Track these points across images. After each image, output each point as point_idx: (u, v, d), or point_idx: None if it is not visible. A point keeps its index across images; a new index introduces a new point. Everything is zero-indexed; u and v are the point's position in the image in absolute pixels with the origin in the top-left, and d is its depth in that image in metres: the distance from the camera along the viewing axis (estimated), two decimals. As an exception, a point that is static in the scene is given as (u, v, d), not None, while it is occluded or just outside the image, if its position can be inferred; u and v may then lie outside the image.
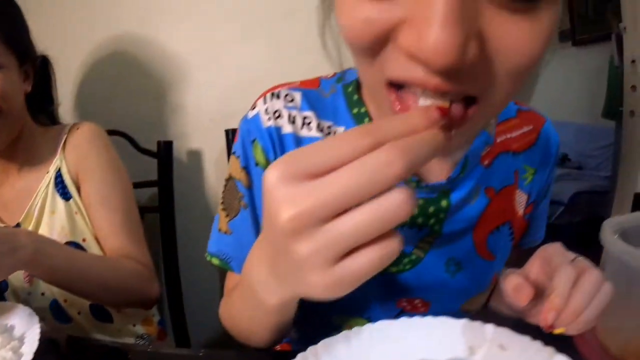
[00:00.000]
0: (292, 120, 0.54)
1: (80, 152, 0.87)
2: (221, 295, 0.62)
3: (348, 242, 0.27)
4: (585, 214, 2.85)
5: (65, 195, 0.86)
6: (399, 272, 0.56)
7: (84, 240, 0.86)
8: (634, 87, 1.51)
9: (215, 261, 0.59)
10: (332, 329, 0.54)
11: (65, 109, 1.09)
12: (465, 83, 0.31)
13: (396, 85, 0.34)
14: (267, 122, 0.54)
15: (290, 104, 0.55)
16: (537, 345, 0.40)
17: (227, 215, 0.59)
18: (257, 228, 0.57)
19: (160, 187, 1.09)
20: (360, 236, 0.26)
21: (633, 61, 1.49)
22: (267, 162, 0.54)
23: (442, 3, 0.26)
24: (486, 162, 0.56)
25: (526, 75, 0.34)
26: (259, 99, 0.58)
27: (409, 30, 0.29)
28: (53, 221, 0.85)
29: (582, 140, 3.61)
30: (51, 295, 0.85)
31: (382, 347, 0.42)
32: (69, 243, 0.84)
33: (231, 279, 0.60)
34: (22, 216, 0.85)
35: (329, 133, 0.53)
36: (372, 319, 0.48)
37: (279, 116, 0.54)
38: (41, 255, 0.64)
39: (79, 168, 0.87)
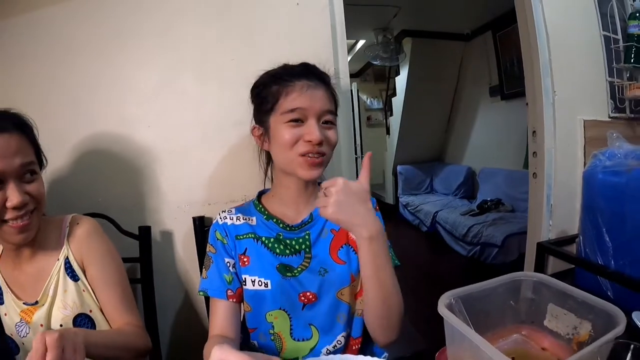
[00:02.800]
0: (231, 218, 1.05)
1: (82, 244, 1.07)
2: (194, 341, 1.02)
3: None
4: (517, 253, 3.19)
5: (74, 278, 1.05)
6: (292, 277, 0.99)
7: (90, 311, 1.06)
8: (535, 154, 1.78)
9: (201, 293, 1.02)
10: (266, 325, 0.99)
11: (57, 198, 1.25)
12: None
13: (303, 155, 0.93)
14: (221, 222, 1.05)
15: (231, 213, 1.07)
16: None
17: (205, 270, 1.06)
18: (218, 272, 1.01)
19: (141, 263, 1.32)
20: None
21: (534, 132, 1.76)
22: (223, 238, 1.03)
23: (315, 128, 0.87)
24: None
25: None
26: (218, 214, 1.07)
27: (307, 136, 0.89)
28: (66, 298, 1.04)
29: (512, 185, 3.98)
30: None
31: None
32: (79, 314, 1.04)
33: (211, 303, 1.04)
34: (40, 295, 1.02)
35: (246, 219, 1.05)
36: (287, 310, 0.98)
37: (225, 218, 1.05)
38: (75, 335, 0.81)
39: (83, 256, 1.07)
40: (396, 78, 5.29)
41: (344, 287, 1.01)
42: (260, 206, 1.09)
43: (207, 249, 1.08)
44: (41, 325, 1.03)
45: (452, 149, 5.33)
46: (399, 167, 5.49)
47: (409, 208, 5.14)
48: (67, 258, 1.06)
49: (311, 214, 1.06)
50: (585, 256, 1.45)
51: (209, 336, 1.01)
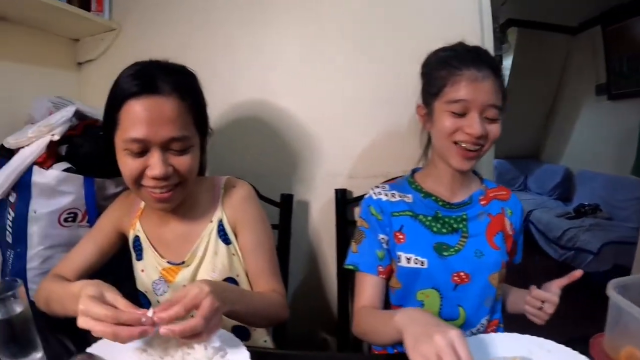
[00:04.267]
0: (386, 195, 1.12)
1: (238, 208, 1.06)
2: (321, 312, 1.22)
3: None
4: (612, 263, 3.10)
5: (226, 241, 1.05)
6: (449, 256, 1.04)
7: (237, 275, 1.07)
8: None
9: (351, 267, 1.10)
10: (415, 303, 1.05)
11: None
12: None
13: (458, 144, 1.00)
14: (375, 197, 1.12)
15: (384, 189, 1.14)
16: (569, 350, 0.77)
17: (356, 243, 1.14)
18: (370, 247, 1.09)
19: (280, 231, 1.39)
20: None
21: None
22: (377, 214, 1.09)
23: (476, 122, 0.97)
24: (483, 202, 1.11)
25: None
26: (369, 190, 1.16)
27: (468, 128, 0.99)
28: (215, 261, 1.03)
29: (613, 191, 3.83)
30: None
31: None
32: (227, 278, 1.04)
33: (357, 277, 1.10)
34: (188, 256, 1.03)
35: (402, 197, 1.11)
36: (439, 289, 1.04)
37: (380, 194, 1.13)
38: (226, 299, 0.79)
39: (237, 220, 1.05)
40: (499, 68, 5.14)
41: (495, 272, 1.06)
42: (416, 184, 1.14)
43: (359, 223, 1.14)
44: (184, 286, 0.98)
45: (550, 147, 5.13)
46: (494, 161, 5.20)
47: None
48: (221, 221, 1.05)
49: (471, 196, 1.11)
50: None
51: (355, 308, 1.09)
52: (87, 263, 1.06)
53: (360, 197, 1.43)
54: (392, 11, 1.44)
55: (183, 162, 0.91)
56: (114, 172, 1.19)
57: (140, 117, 0.85)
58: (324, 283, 1.59)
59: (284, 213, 1.45)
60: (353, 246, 1.14)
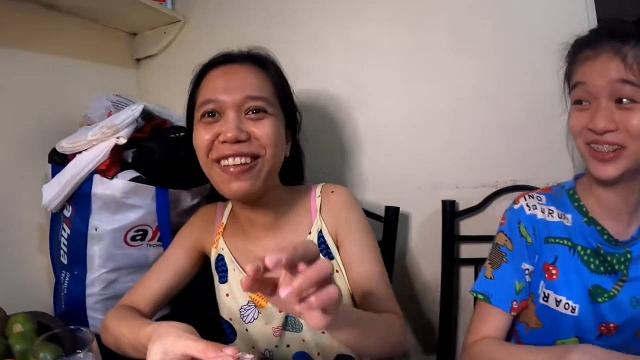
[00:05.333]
0: (542, 211, 0.91)
1: (340, 215, 0.94)
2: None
3: None
4: None
5: (329, 256, 0.92)
6: (602, 302, 0.83)
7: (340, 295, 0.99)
8: None
9: (480, 297, 0.91)
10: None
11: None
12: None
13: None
14: (528, 212, 0.91)
15: (540, 202, 0.92)
16: None
17: (492, 267, 0.92)
18: (510, 276, 0.90)
19: (383, 247, 1.19)
20: None
21: None
22: (528, 235, 0.89)
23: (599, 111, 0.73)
24: None
25: None
26: (519, 198, 0.94)
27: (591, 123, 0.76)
28: None
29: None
30: (299, 347, 0.93)
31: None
32: None
33: (483, 308, 0.91)
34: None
35: (561, 217, 0.90)
36: (581, 340, 0.83)
37: (535, 208, 0.91)
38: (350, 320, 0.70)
39: (339, 229, 0.93)
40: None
41: None
42: (579, 202, 0.90)
43: (500, 241, 0.93)
44: (280, 311, 0.90)
45: None
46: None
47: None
48: (321, 231, 0.94)
49: (639, 228, 0.87)
50: None
51: (471, 339, 0.90)
52: (163, 290, 0.95)
53: (470, 210, 1.28)
54: (500, 7, 1.28)
55: (260, 127, 0.83)
56: (191, 181, 1.09)
57: (215, 82, 0.86)
58: (426, 304, 1.41)
59: (388, 228, 1.27)
60: (487, 270, 0.94)
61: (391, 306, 0.88)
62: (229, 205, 1.02)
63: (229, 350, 0.56)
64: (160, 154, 1.05)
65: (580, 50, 0.83)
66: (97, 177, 1.02)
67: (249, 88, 0.84)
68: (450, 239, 1.25)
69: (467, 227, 1.30)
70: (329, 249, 0.92)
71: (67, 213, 1.08)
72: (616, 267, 0.85)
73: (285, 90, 0.94)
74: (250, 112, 0.83)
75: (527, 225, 0.90)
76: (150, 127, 1.11)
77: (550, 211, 0.90)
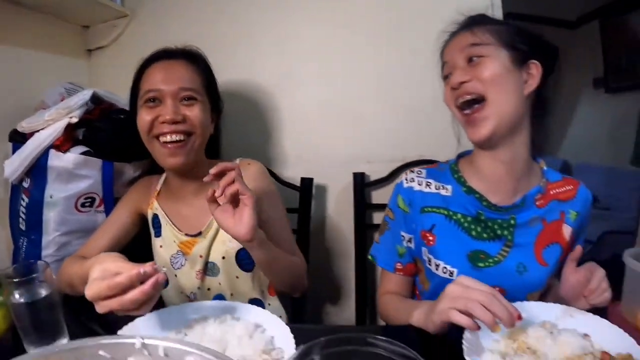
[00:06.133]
0: (419, 183, 0.99)
1: (251, 182, 1.02)
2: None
3: None
4: (612, 252, 3.13)
5: None
6: (486, 267, 0.91)
7: None
8: None
9: (370, 258, 1.05)
10: None
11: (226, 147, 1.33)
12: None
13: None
14: (405, 185, 1.00)
15: (420, 176, 1.00)
16: (590, 315, 0.79)
17: (379, 234, 1.05)
18: (391, 241, 1.02)
19: (299, 214, 1.41)
20: None
21: None
22: (405, 206, 0.99)
23: None
24: (539, 203, 0.93)
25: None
26: (403, 173, 1.05)
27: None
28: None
29: (611, 183, 3.80)
30: (217, 290, 1.10)
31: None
32: (242, 249, 1.05)
33: (383, 274, 1.06)
34: (204, 227, 1.07)
35: (439, 188, 0.97)
36: None
37: (412, 181, 0.99)
38: (266, 242, 0.91)
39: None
40: (496, 61, 5.16)
41: (536, 291, 0.94)
42: (459, 174, 0.98)
43: (385, 212, 1.06)
44: (200, 256, 1.07)
45: (548, 139, 5.18)
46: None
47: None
48: None
49: (524, 197, 0.92)
50: None
51: (379, 293, 1.07)
52: (108, 244, 1.09)
53: (380, 181, 1.46)
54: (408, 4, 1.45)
55: (192, 111, 1.02)
56: (133, 155, 1.23)
57: (156, 74, 1.03)
58: (343, 266, 1.59)
59: (303, 196, 1.46)
60: (376, 235, 1.08)
61: (296, 252, 1.09)
62: (164, 175, 1.18)
63: (148, 266, 0.70)
64: (106, 132, 1.20)
65: (443, 37, 0.98)
66: (52, 152, 1.16)
67: (183, 80, 1.02)
68: (362, 207, 1.44)
69: (377, 196, 1.50)
70: None
71: (26, 184, 1.21)
72: (498, 232, 0.91)
73: (212, 81, 1.13)
74: (184, 100, 1.02)
75: (404, 197, 0.99)
76: (99, 109, 1.25)
77: (428, 183, 0.98)
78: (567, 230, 0.95)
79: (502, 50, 0.88)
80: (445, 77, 0.95)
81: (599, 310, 0.81)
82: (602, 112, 4.21)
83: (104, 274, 0.70)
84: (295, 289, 1.09)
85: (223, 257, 1.07)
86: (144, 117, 1.01)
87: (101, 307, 0.69)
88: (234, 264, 1.08)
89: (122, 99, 1.31)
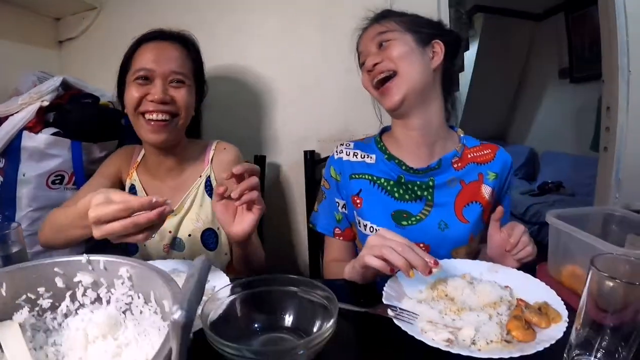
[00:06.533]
0: (347, 154, 1.10)
1: (225, 168, 1.14)
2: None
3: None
4: None
5: (211, 195, 1.14)
6: (409, 226, 1.00)
7: (218, 228, 1.15)
8: (607, 129, 1.87)
9: (311, 225, 1.15)
10: None
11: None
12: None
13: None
14: (336, 156, 1.11)
15: (348, 147, 1.12)
16: (514, 270, 0.83)
17: (317, 203, 1.17)
18: (329, 209, 1.12)
19: None
20: None
21: (608, 108, 1.86)
22: (337, 175, 1.09)
23: None
24: (457, 166, 1.04)
25: None
26: (335, 147, 1.16)
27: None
28: (200, 211, 1.13)
29: (575, 169, 4.00)
30: None
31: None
32: (208, 229, 1.13)
33: (326, 242, 1.16)
34: (177, 205, 1.12)
35: (364, 157, 1.08)
36: None
37: (341, 152, 1.11)
38: (252, 241, 0.98)
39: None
40: (465, 53, 5.28)
41: (461, 247, 1.02)
42: (382, 144, 1.09)
43: (322, 183, 1.17)
44: (169, 232, 1.13)
45: (516, 128, 5.30)
46: (461, 144, 5.34)
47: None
48: (209, 177, 1.17)
49: (440, 160, 1.03)
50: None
51: (325, 261, 1.17)
52: None
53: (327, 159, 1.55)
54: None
55: (180, 94, 1.06)
56: (99, 137, 1.30)
57: (150, 53, 1.06)
58: (296, 238, 1.70)
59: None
60: (315, 204, 1.19)
61: (257, 239, 1.13)
62: (143, 150, 1.21)
63: (157, 197, 0.72)
64: (75, 115, 1.29)
65: (357, 33, 1.11)
66: (25, 133, 1.24)
67: (174, 63, 1.06)
68: (312, 182, 1.54)
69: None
70: (212, 191, 1.15)
71: (1, 164, 1.29)
72: (419, 193, 1.02)
73: (200, 66, 1.19)
74: (173, 82, 1.06)
75: (335, 167, 1.13)
76: (69, 95, 1.34)
77: (355, 154, 1.11)
78: (486, 190, 1.05)
79: (406, 34, 1.02)
80: (362, 65, 1.08)
81: (529, 271, 0.85)
82: (567, 101, 4.36)
83: (108, 201, 0.71)
84: (254, 272, 1.13)
85: (189, 235, 1.13)
86: (133, 94, 1.04)
87: (100, 231, 0.69)
88: (199, 242, 1.15)
89: (90, 85, 1.40)
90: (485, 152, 1.08)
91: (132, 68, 1.08)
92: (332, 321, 0.59)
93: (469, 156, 1.07)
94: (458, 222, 1.01)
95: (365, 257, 0.78)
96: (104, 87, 1.38)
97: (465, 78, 5.24)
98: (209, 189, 1.16)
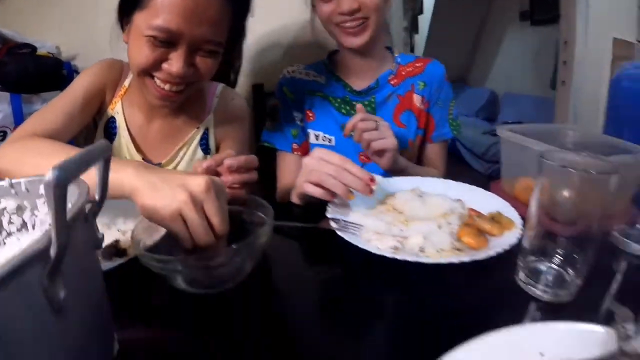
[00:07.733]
0: (300, 73, 1.15)
1: (230, 125, 1.01)
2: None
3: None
4: None
5: (206, 151, 0.99)
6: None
7: None
8: (565, 63, 1.92)
9: (267, 145, 1.14)
10: None
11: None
12: None
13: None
14: (288, 76, 1.16)
15: (299, 68, 1.17)
16: (467, 185, 0.82)
17: (271, 122, 1.18)
18: (285, 127, 1.14)
19: None
20: None
21: (565, 42, 1.91)
22: (290, 93, 1.14)
23: None
24: (393, 82, 1.12)
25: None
26: (285, 70, 1.17)
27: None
28: (190, 167, 0.97)
29: (535, 110, 4.06)
30: None
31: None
32: None
33: (279, 158, 1.17)
34: (166, 159, 0.96)
35: (315, 77, 1.15)
36: None
37: (294, 72, 1.16)
38: None
39: (225, 135, 1.00)
40: (424, -5, 5.19)
41: (402, 151, 1.03)
42: (330, 67, 1.17)
43: (274, 104, 1.21)
44: None
45: (477, 71, 5.34)
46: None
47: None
48: (207, 130, 0.99)
49: (377, 80, 1.12)
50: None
51: (279, 186, 1.16)
52: (70, 125, 0.87)
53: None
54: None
55: (206, 64, 0.81)
56: (39, 87, 1.24)
57: (180, 6, 0.73)
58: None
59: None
60: (267, 125, 1.19)
61: None
62: (131, 75, 0.96)
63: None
64: (12, 67, 1.22)
65: None
66: None
67: (213, 31, 0.78)
68: (262, 114, 1.45)
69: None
70: (209, 146, 1.00)
71: None
72: (366, 109, 1.06)
73: (243, 21, 0.91)
74: (203, 51, 0.80)
75: (288, 86, 1.16)
76: (6, 48, 1.26)
77: (307, 73, 1.17)
78: (417, 99, 1.14)
79: None
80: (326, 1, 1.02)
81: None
82: (527, 43, 4.39)
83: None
84: None
85: None
86: (144, 53, 0.77)
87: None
88: None
89: (29, 38, 1.31)
90: (417, 65, 1.16)
91: (145, 11, 0.75)
92: (266, 225, 0.57)
93: (403, 72, 1.15)
94: (397, 128, 1.11)
95: (304, 185, 0.78)
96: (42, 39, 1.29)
97: (424, 21, 5.22)
98: (204, 142, 0.99)
